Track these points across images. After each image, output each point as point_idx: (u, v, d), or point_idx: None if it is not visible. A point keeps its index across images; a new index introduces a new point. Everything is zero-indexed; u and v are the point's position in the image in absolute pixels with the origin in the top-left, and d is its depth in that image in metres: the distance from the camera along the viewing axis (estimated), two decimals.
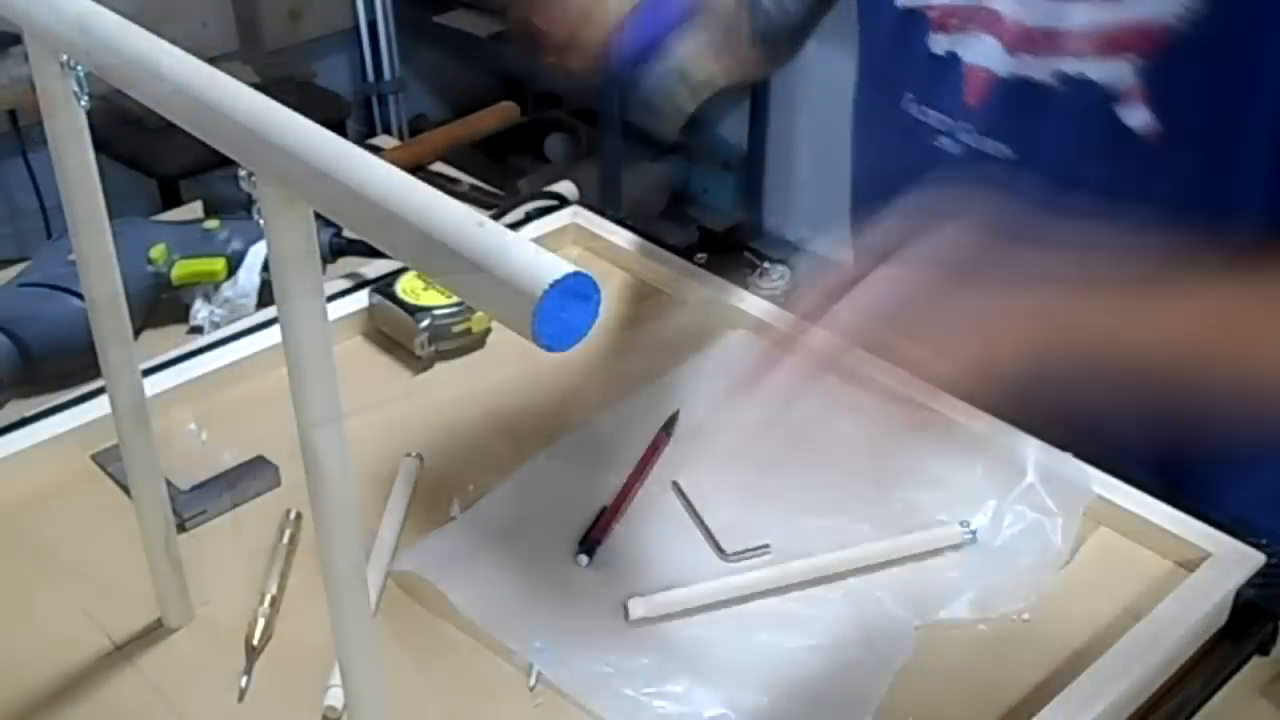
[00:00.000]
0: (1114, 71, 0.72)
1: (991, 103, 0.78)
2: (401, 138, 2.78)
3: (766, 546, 0.72)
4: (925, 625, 0.68)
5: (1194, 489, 0.76)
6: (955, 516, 0.74)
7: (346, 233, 0.97)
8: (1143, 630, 0.66)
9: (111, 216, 0.57)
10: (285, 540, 0.72)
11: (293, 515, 0.74)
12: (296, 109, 0.43)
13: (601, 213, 1.03)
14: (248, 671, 0.65)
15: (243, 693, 0.64)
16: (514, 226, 0.98)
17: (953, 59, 0.79)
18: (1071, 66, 0.73)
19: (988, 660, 0.67)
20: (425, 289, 0.90)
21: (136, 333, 0.77)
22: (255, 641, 0.66)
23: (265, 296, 0.97)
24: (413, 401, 0.86)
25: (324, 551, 0.49)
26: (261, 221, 0.44)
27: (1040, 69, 0.75)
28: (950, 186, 0.80)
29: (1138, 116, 0.72)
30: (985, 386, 0.63)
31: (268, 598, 0.68)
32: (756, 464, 0.79)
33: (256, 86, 0.44)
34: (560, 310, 0.35)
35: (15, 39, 0.56)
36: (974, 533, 0.73)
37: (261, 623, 0.67)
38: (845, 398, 0.85)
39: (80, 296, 0.65)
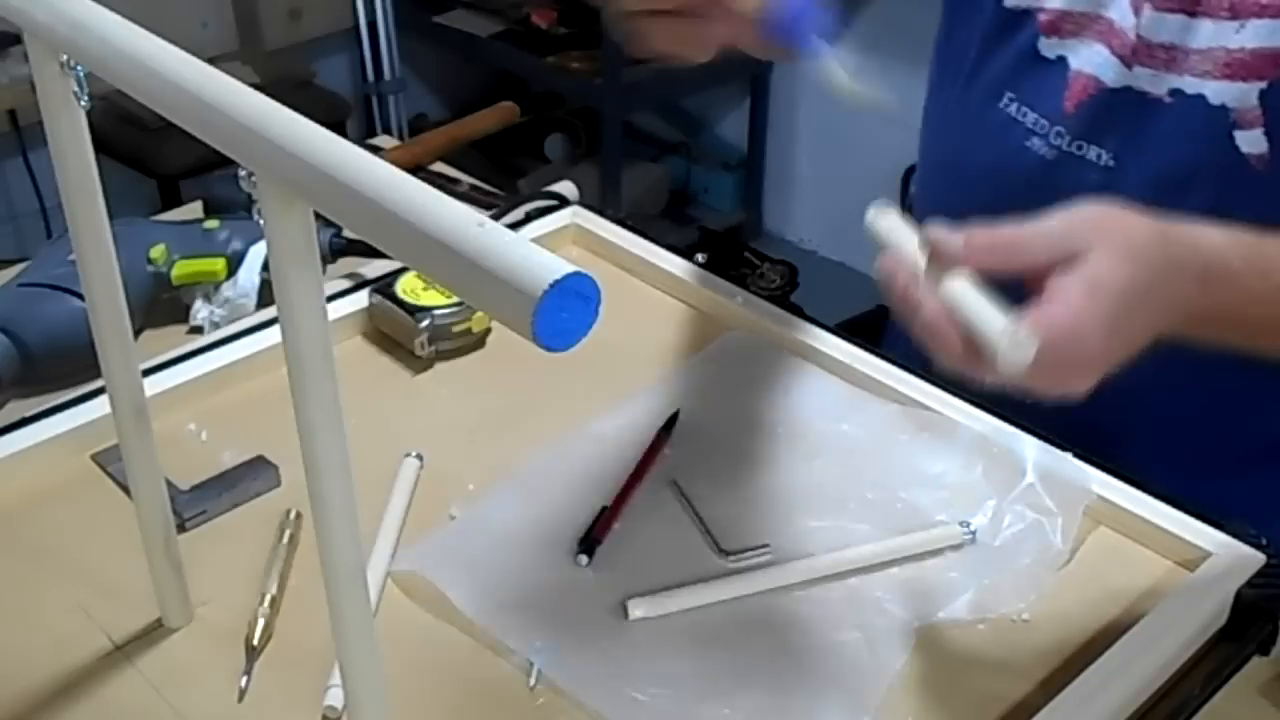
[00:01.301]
0: (1236, 94, 0.71)
1: (1092, 109, 0.77)
2: (401, 138, 2.78)
3: (766, 546, 0.72)
4: (925, 625, 0.68)
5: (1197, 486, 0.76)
6: (955, 516, 0.74)
7: (346, 233, 0.97)
8: (1143, 630, 0.66)
9: (111, 216, 0.57)
10: (285, 540, 0.72)
11: (293, 515, 0.74)
12: (296, 109, 0.43)
13: (601, 213, 1.03)
14: (248, 671, 0.65)
15: (242, 693, 0.64)
16: (514, 226, 0.98)
17: (1061, 63, 0.78)
18: (1190, 85, 0.73)
19: (988, 660, 0.67)
20: (425, 289, 0.90)
21: (136, 333, 0.78)
22: (255, 641, 0.66)
23: (265, 296, 0.97)
24: (413, 401, 0.86)
25: (324, 551, 0.49)
26: (261, 221, 0.44)
27: (1155, 83, 0.74)
28: (1044, 188, 0.80)
29: (1252, 141, 0.72)
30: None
31: (268, 598, 0.68)
32: (756, 464, 0.79)
33: (256, 86, 0.44)
34: (560, 310, 0.35)
35: (15, 39, 0.56)
36: (974, 533, 0.73)
37: (261, 623, 0.67)
38: (845, 398, 0.85)
39: (80, 296, 0.65)
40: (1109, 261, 0.58)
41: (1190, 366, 0.81)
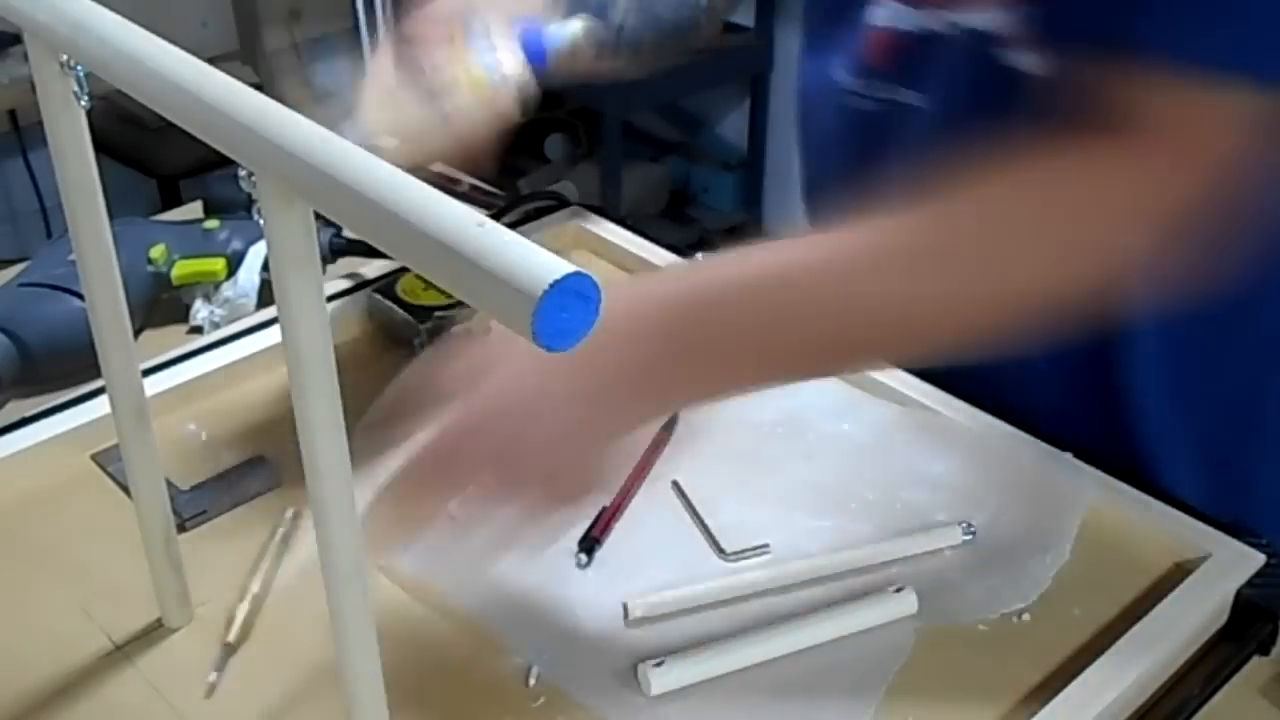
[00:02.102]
0: (996, 20, 0.73)
1: (897, 58, 0.80)
2: None
3: (766, 546, 0.72)
4: (925, 625, 0.68)
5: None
6: (955, 516, 0.74)
7: (346, 233, 0.97)
8: (1143, 630, 0.66)
9: (111, 216, 0.57)
10: (277, 539, 0.72)
11: (290, 515, 0.74)
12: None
13: (601, 213, 1.03)
14: (218, 668, 0.65)
15: (211, 688, 0.64)
16: (514, 226, 0.97)
17: (865, 22, 0.82)
18: (961, 17, 0.76)
19: (988, 660, 0.67)
20: (425, 289, 0.90)
21: (136, 333, 0.77)
22: (231, 639, 0.66)
23: (265, 296, 0.97)
24: None
25: (324, 551, 0.49)
26: (261, 221, 0.44)
27: (937, 20, 0.77)
28: (879, 139, 0.83)
29: (1025, 60, 0.73)
30: None
31: (250, 595, 0.68)
32: (756, 464, 0.79)
33: (256, 86, 0.44)
34: (560, 310, 0.35)
35: (15, 39, 0.56)
36: (974, 533, 0.73)
37: (239, 620, 0.67)
38: (845, 398, 0.85)
39: (80, 296, 0.65)
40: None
41: (1191, 365, 0.82)
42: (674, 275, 0.65)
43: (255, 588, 0.69)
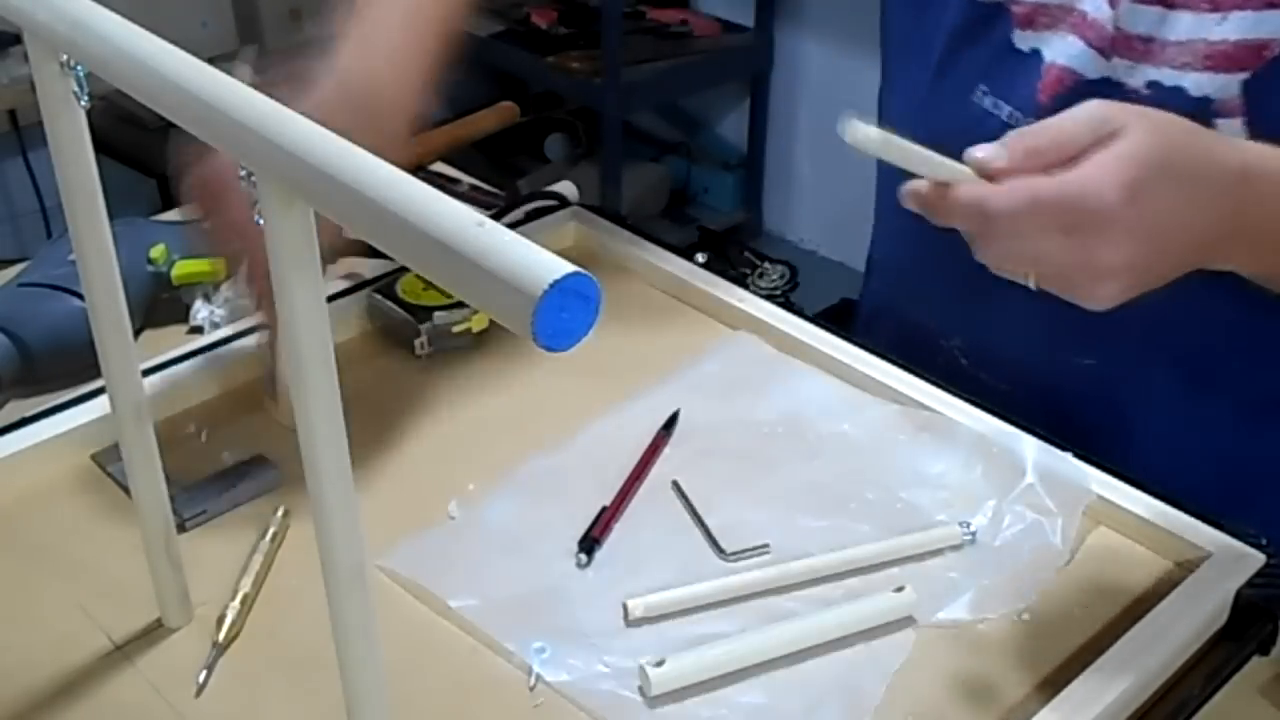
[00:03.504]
0: (1219, 85, 0.71)
1: (1069, 101, 0.77)
2: None
3: (766, 546, 0.72)
4: (925, 625, 0.68)
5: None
6: (955, 516, 0.74)
7: (346, 233, 0.97)
8: (1143, 630, 0.66)
9: (111, 216, 0.57)
10: (268, 538, 0.72)
11: (279, 513, 0.73)
12: None
13: (601, 213, 1.03)
14: (208, 666, 0.65)
15: (201, 688, 0.64)
16: (514, 226, 0.97)
17: (1035, 56, 0.78)
18: (1169, 77, 0.73)
19: (988, 660, 0.67)
20: (425, 289, 0.90)
21: (136, 333, 0.77)
22: (220, 638, 0.66)
23: None
24: (413, 401, 0.86)
25: (324, 552, 0.49)
26: (261, 221, 0.44)
27: (1132, 75, 0.74)
28: None
29: (1232, 130, 0.71)
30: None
31: (240, 594, 0.68)
32: (756, 464, 0.79)
33: (256, 87, 0.44)
34: (560, 310, 0.35)
35: (15, 39, 0.56)
36: (974, 533, 0.73)
37: (230, 618, 0.67)
38: (845, 398, 0.85)
39: (80, 296, 0.65)
40: (1140, 136, 0.59)
41: (1192, 361, 0.82)
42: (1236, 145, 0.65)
43: (247, 587, 0.69)
